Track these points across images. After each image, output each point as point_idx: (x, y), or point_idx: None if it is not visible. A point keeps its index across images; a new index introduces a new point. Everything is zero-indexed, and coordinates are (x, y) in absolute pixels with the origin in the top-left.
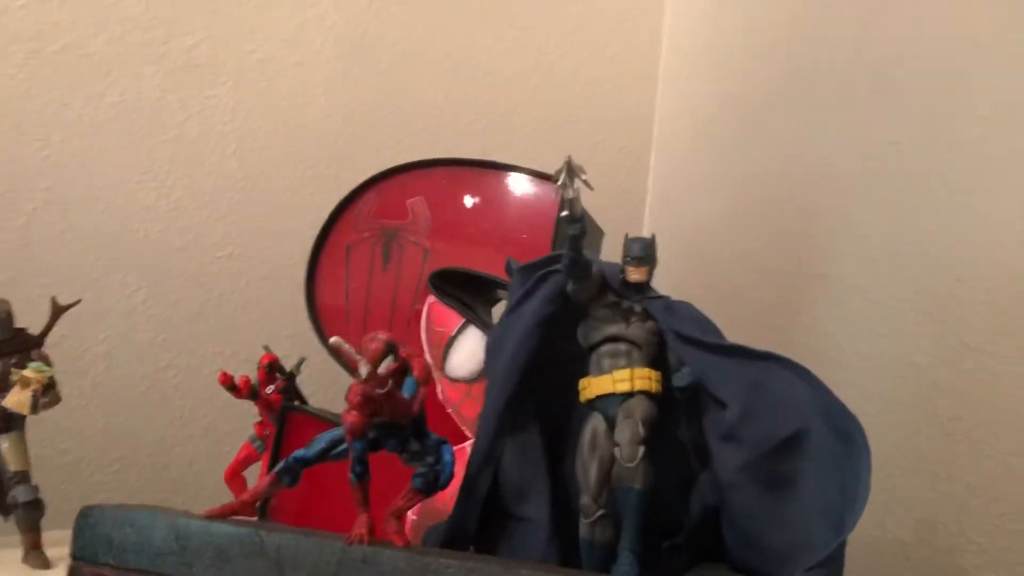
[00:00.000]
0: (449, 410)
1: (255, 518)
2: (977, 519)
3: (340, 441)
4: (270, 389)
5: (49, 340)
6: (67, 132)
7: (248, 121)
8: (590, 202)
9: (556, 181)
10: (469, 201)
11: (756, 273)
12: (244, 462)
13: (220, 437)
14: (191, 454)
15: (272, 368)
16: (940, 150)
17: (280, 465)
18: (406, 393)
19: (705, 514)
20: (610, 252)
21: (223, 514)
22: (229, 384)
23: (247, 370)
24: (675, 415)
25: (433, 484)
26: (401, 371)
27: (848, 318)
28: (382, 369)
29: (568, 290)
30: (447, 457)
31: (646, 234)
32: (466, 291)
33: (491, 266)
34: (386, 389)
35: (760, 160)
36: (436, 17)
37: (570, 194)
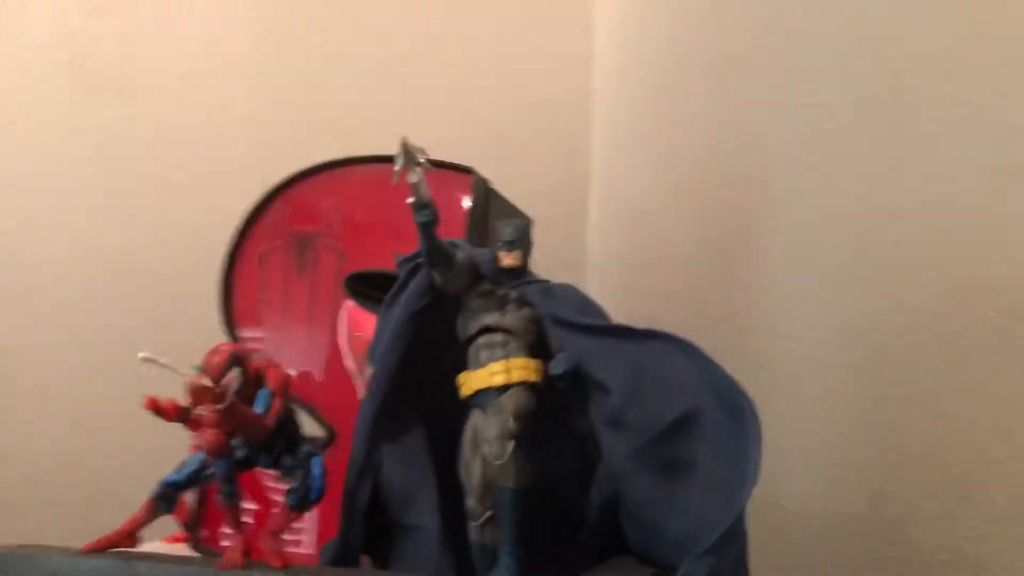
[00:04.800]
0: None
1: (135, 547)
2: (927, 485)
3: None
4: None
5: None
6: None
7: (168, 138)
8: (532, 189)
9: (395, 166)
10: (381, 199)
11: (698, 251)
12: None
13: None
14: (131, 487)
15: None
16: (866, 108)
17: (153, 491)
18: (260, 406)
19: (605, 506)
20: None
21: (100, 547)
22: (156, 408)
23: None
24: (569, 405)
25: (305, 500)
26: (254, 383)
27: (790, 288)
28: (232, 384)
29: (437, 282)
30: (315, 470)
31: (590, 222)
32: (385, 291)
33: None
34: (224, 404)
35: (694, 133)
36: (355, 14)
37: (412, 178)
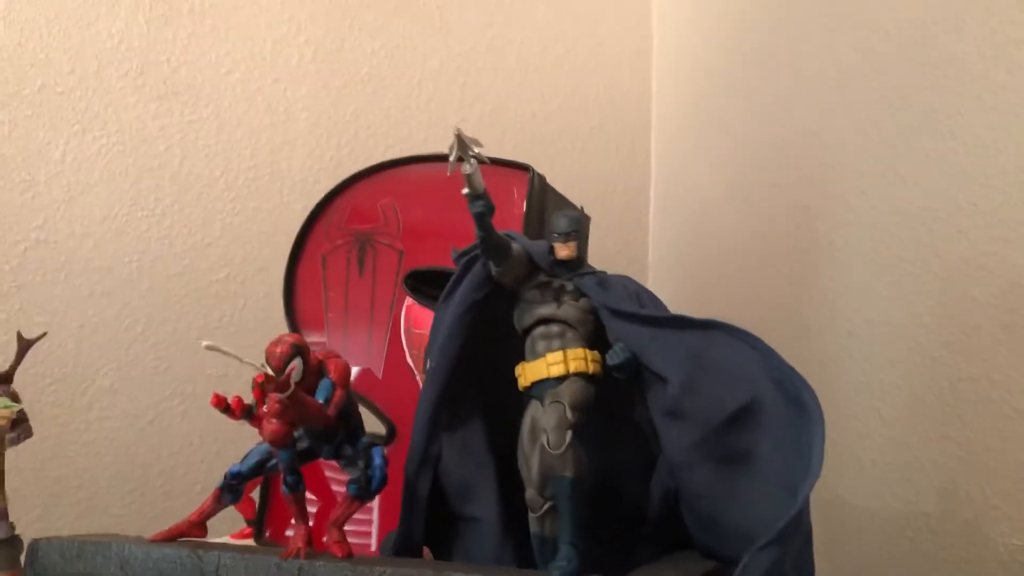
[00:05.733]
0: None
1: (203, 537)
2: (1000, 483)
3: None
4: None
5: (52, 376)
6: (52, 171)
7: (232, 143)
8: (592, 189)
9: (449, 158)
10: (438, 198)
11: (761, 249)
12: None
13: (229, 460)
14: (202, 480)
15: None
16: (930, 99)
17: (220, 483)
18: (321, 397)
19: (667, 499)
20: (616, 242)
21: (170, 537)
22: (223, 406)
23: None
24: (629, 397)
25: (367, 489)
26: (315, 374)
27: (855, 286)
28: (294, 375)
29: (493, 273)
30: (377, 460)
31: (651, 220)
32: (443, 288)
33: None
34: (287, 393)
35: (757, 131)
36: (412, 19)
37: (467, 169)
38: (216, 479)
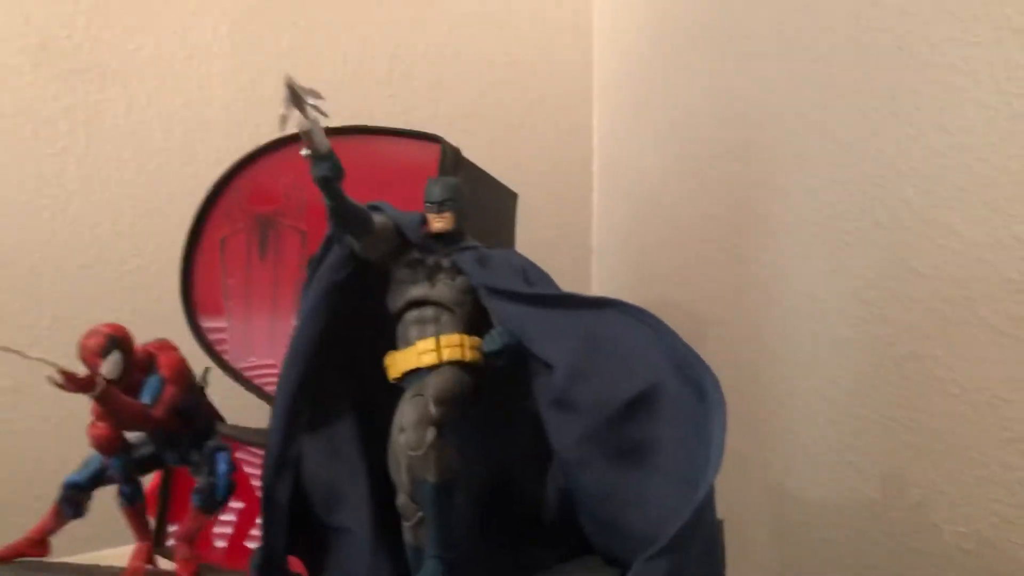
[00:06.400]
0: None
1: (44, 555)
2: (946, 467)
3: None
4: None
5: None
6: None
7: (142, 124)
8: (535, 168)
9: (280, 110)
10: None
11: (704, 226)
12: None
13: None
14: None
15: None
16: (869, 60)
17: (57, 495)
18: (148, 395)
19: (563, 499)
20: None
21: (6, 557)
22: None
23: None
24: (521, 386)
25: (211, 499)
26: (141, 369)
27: (796, 258)
28: (109, 369)
29: (356, 250)
30: (221, 467)
31: (595, 198)
32: None
33: None
34: (95, 392)
35: (698, 104)
36: None
37: (305, 125)
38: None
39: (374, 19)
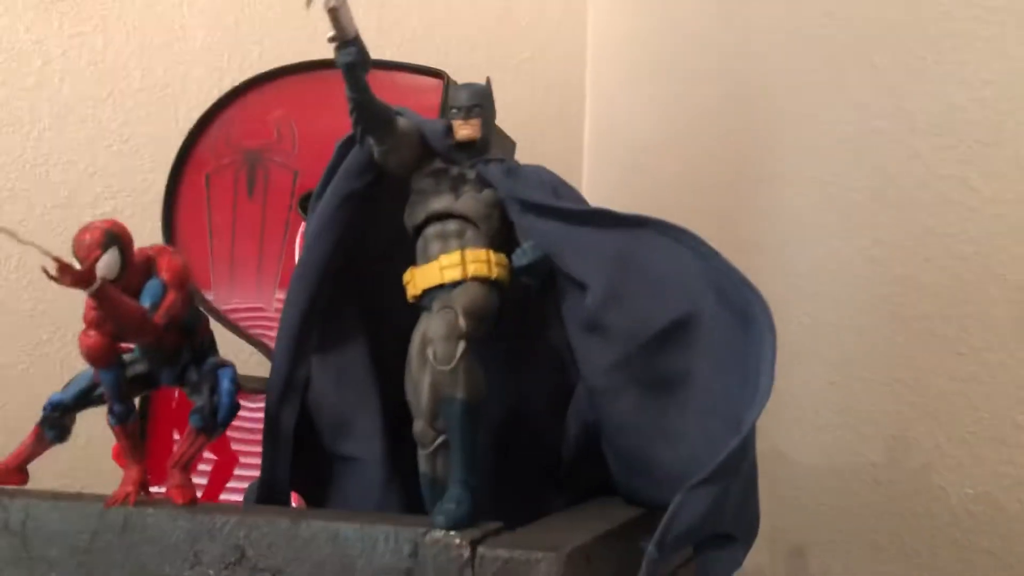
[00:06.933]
0: None
1: (23, 483)
2: (952, 429)
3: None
4: None
5: None
6: None
7: (120, 61)
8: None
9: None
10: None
11: (704, 185)
12: None
13: None
14: (86, 431)
15: None
16: (887, 10)
17: (40, 418)
18: (146, 300)
19: (586, 435)
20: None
21: None
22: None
23: None
24: (543, 312)
25: (212, 420)
26: (141, 273)
27: (803, 218)
28: (107, 267)
29: (376, 156)
30: (225, 384)
31: (584, 160)
32: None
33: None
34: (92, 288)
35: (694, 55)
36: None
37: (331, 2)
38: (100, 426)
39: None
